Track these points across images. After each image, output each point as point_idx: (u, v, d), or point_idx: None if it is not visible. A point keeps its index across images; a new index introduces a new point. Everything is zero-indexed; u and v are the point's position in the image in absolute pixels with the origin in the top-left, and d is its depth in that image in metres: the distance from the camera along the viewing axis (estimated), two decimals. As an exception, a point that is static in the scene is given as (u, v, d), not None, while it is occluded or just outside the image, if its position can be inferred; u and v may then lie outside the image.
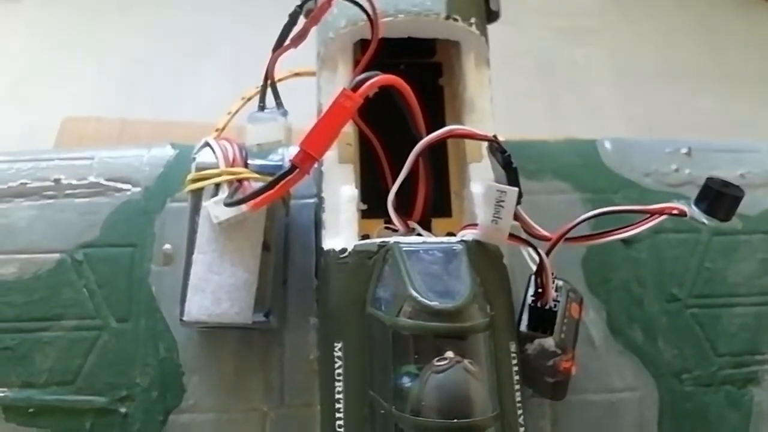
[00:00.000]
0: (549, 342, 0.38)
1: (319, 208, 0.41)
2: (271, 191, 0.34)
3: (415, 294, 0.30)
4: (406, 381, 0.30)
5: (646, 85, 1.73)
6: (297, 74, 0.73)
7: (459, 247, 0.33)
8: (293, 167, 0.33)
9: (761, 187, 0.51)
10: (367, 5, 0.37)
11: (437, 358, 0.29)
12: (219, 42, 1.65)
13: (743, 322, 0.47)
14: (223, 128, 0.63)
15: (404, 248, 0.33)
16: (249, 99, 0.69)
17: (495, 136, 0.35)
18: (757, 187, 0.51)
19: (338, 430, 0.33)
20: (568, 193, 0.49)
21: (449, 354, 0.29)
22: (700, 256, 0.48)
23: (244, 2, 1.73)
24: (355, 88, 0.34)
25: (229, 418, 0.42)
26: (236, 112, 0.64)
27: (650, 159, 0.52)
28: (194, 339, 0.43)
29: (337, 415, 0.33)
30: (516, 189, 0.33)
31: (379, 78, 0.34)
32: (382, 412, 0.30)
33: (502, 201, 0.33)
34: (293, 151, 0.43)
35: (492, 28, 0.46)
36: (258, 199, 0.35)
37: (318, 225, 0.46)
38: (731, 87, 1.70)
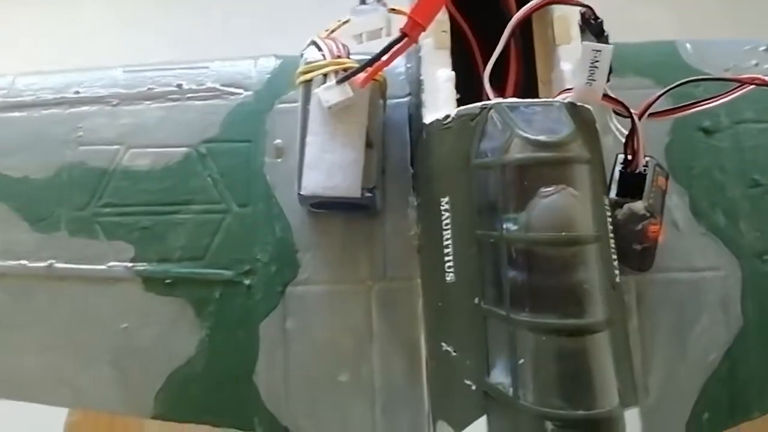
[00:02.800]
0: (638, 205, 0.41)
1: (417, 92, 0.45)
2: (382, 60, 0.38)
3: (522, 132, 0.33)
4: (512, 215, 0.34)
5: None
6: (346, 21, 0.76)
7: (558, 102, 0.36)
8: (402, 35, 0.37)
9: None
10: None
11: (543, 187, 0.32)
12: (241, 46, 1.70)
13: None
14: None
15: (507, 105, 0.36)
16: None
17: (587, 4, 0.38)
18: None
19: (448, 270, 0.37)
20: (651, 88, 0.51)
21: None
22: None
23: (263, 9, 1.77)
24: (456, -36, 0.37)
25: (338, 289, 0.47)
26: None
27: (729, 56, 0.53)
28: (306, 221, 0.48)
29: (446, 259, 0.37)
30: (611, 47, 0.35)
31: (478, -45, 0.38)
32: (492, 241, 0.34)
33: (597, 61, 0.36)
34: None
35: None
36: (371, 70, 0.39)
37: (411, 120, 0.50)
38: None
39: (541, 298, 0.32)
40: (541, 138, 0.33)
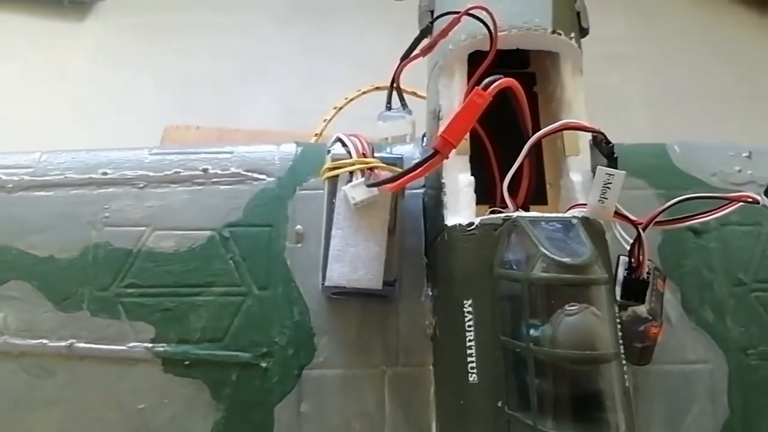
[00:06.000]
0: (641, 309, 0.44)
1: (437, 194, 0.48)
2: (415, 172, 0.41)
3: (548, 253, 0.36)
4: (536, 327, 0.36)
5: (678, 107, 1.79)
6: (364, 92, 0.82)
7: (575, 219, 0.40)
8: (435, 152, 0.40)
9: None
10: (489, 21, 0.44)
11: (568, 305, 0.35)
12: (266, 62, 1.75)
13: None
14: (320, 133, 0.71)
15: (529, 220, 0.40)
16: (339, 109, 0.77)
17: (599, 129, 0.42)
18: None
19: (470, 371, 0.40)
20: (645, 189, 0.56)
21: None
22: (763, 245, 0.54)
23: (288, 28, 1.84)
24: (485, 88, 0.41)
25: (353, 374, 0.49)
26: (330, 119, 0.72)
27: (715, 160, 0.58)
28: (323, 305, 0.50)
29: (469, 360, 0.40)
30: (623, 172, 0.39)
31: (504, 80, 0.41)
32: (518, 350, 0.37)
33: (610, 183, 0.40)
34: (405, 147, 0.51)
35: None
36: (403, 180, 0.42)
37: (426, 211, 0.53)
38: (760, 108, 1.76)
39: (566, 409, 0.34)
40: (566, 260, 0.36)
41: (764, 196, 0.44)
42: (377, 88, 0.81)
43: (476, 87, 0.41)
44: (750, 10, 2.01)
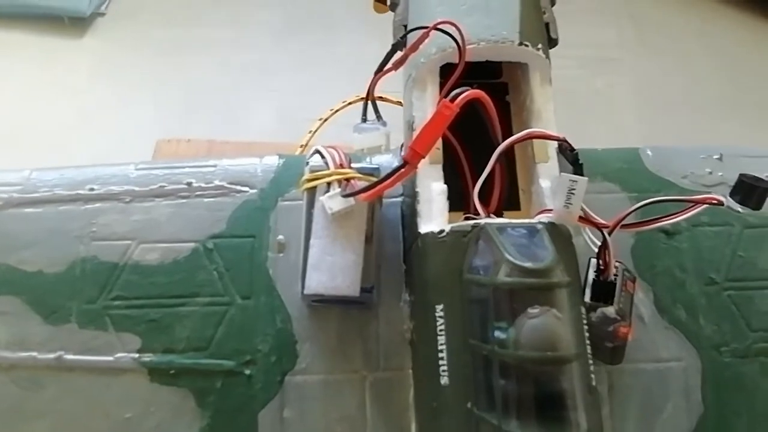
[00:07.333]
0: (610, 310, 0.46)
1: (412, 202, 0.49)
2: (386, 182, 0.43)
3: (511, 258, 0.38)
4: (501, 330, 0.38)
5: (667, 111, 1.81)
6: (350, 103, 0.84)
7: (540, 225, 0.41)
8: (405, 163, 0.42)
9: (786, 186, 0.58)
10: (457, 35, 0.46)
11: (530, 308, 0.37)
12: (263, 75, 1.78)
13: None
14: (306, 144, 0.73)
15: (495, 226, 0.41)
16: (325, 120, 0.79)
17: (564, 138, 0.44)
18: (782, 186, 0.58)
19: (442, 373, 0.41)
20: (617, 192, 0.57)
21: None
22: (733, 245, 0.56)
23: (285, 40, 1.86)
24: (452, 99, 0.43)
25: (335, 379, 0.50)
26: (316, 130, 0.74)
27: (687, 163, 0.60)
28: (305, 313, 0.52)
29: (440, 362, 0.41)
30: (585, 179, 0.41)
31: (471, 92, 0.43)
32: (484, 353, 0.38)
33: (574, 189, 0.41)
34: (383, 158, 0.52)
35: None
36: (375, 190, 0.44)
37: (404, 219, 0.55)
38: (749, 112, 1.77)
39: (529, 409, 0.36)
40: (528, 265, 0.37)
41: (730, 198, 0.45)
42: (362, 99, 0.83)
43: (444, 99, 0.43)
44: (741, 13, 2.03)
